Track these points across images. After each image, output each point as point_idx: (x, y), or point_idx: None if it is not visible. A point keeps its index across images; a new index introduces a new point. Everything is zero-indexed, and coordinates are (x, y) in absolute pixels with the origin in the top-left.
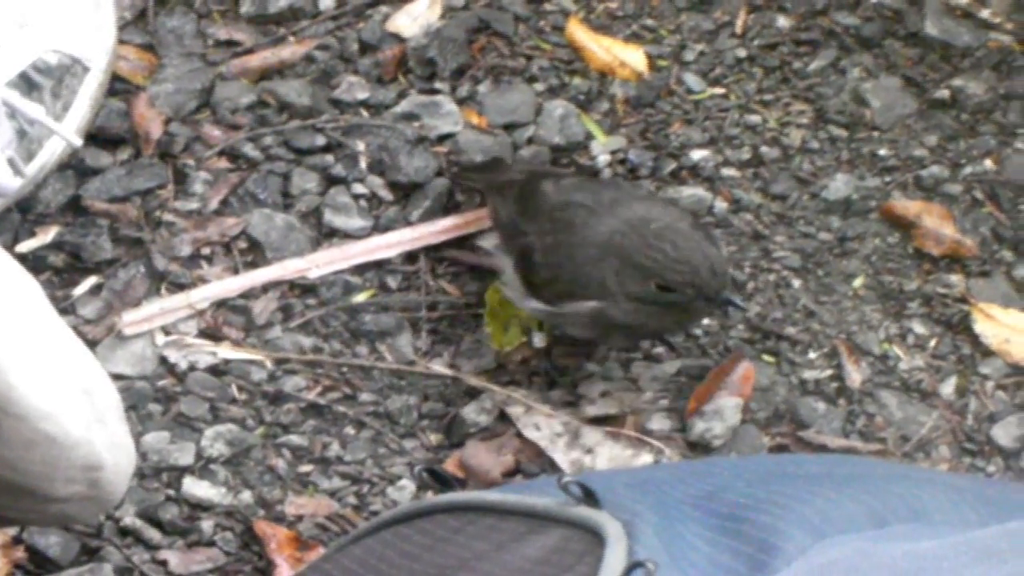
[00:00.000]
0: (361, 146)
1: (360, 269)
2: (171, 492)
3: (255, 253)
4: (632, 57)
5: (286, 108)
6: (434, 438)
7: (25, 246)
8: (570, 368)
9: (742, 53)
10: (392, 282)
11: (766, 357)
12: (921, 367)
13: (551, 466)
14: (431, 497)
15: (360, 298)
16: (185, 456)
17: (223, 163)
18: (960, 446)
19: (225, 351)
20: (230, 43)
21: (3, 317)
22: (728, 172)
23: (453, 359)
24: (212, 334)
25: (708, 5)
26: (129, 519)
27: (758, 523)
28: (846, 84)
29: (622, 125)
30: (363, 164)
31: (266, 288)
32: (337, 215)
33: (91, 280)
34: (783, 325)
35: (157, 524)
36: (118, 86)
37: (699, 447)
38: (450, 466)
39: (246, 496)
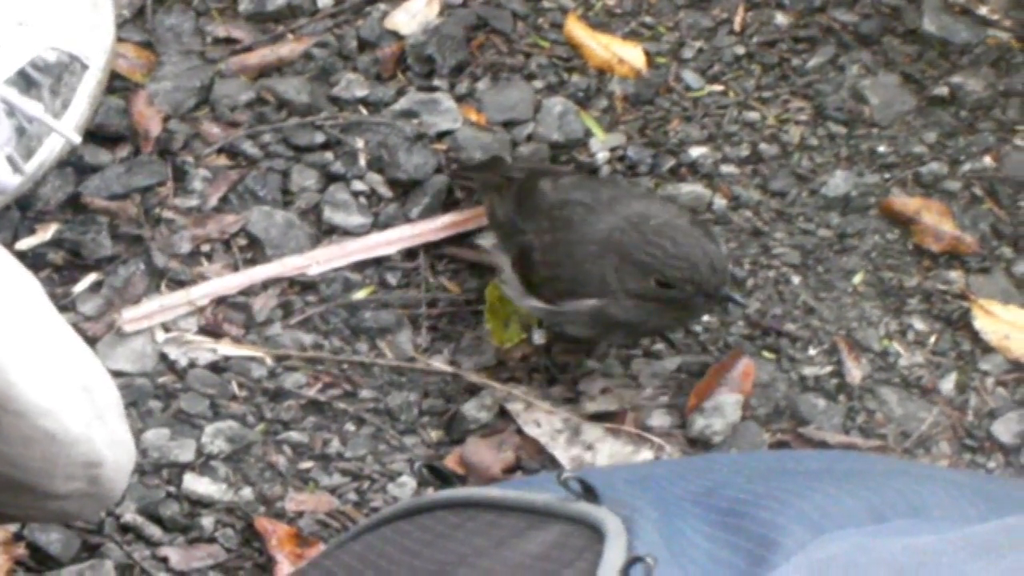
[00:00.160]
0: (360, 143)
1: (360, 266)
2: (172, 489)
3: (255, 250)
4: (631, 54)
5: (285, 105)
6: (434, 434)
7: (25, 243)
8: (570, 365)
9: (741, 50)
10: (392, 279)
11: (766, 353)
12: (921, 363)
13: (551, 462)
14: (431, 493)
15: (360, 295)
16: (185, 453)
17: (222, 160)
18: (960, 442)
19: (225, 348)
20: (229, 41)
21: (2, 314)
22: (727, 169)
23: (453, 356)
24: (212, 331)
25: (706, 2)
26: (130, 516)
27: (757, 519)
28: (845, 81)
29: (621, 122)
30: (362, 161)
31: (266, 285)
32: (336, 212)
33: (91, 277)
34: (783, 322)
35: (158, 521)
36: (117, 84)
37: (699, 443)
38: (450, 462)
39: (246, 492)
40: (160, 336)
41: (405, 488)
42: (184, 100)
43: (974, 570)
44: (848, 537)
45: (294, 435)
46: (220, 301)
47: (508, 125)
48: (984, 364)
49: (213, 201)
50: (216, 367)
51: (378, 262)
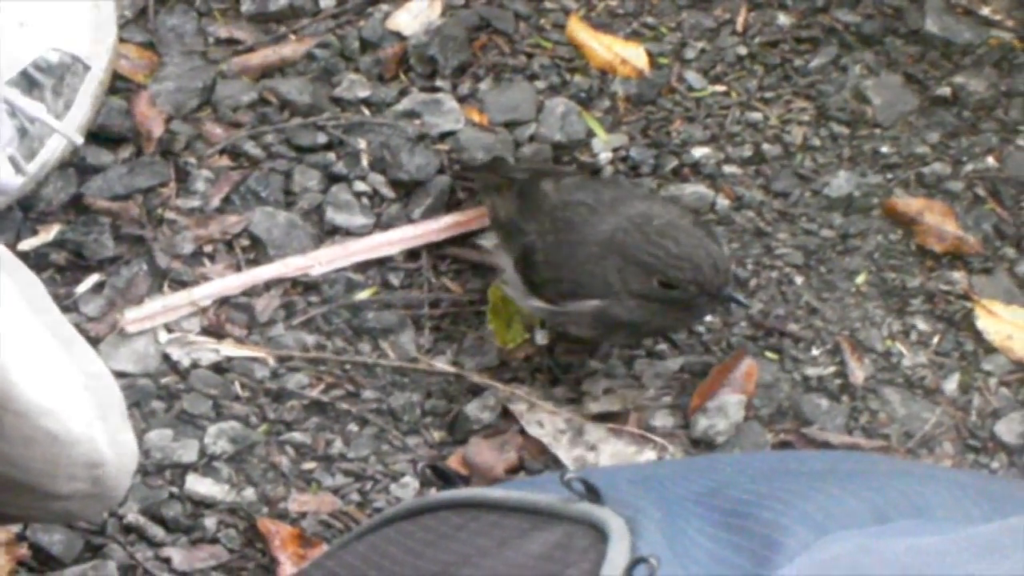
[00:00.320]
0: (362, 144)
1: (362, 267)
2: (174, 489)
3: (257, 251)
4: (633, 55)
5: (287, 106)
6: (437, 435)
7: (27, 244)
8: (573, 365)
9: (743, 51)
10: (394, 279)
11: (769, 354)
12: (924, 364)
13: (554, 463)
14: (434, 494)
15: (362, 295)
16: (188, 453)
17: (224, 161)
18: (964, 442)
19: (228, 349)
20: (231, 41)
21: (4, 314)
22: (730, 169)
23: (456, 356)
24: (215, 332)
25: (709, 3)
26: (132, 516)
27: (761, 519)
28: (847, 81)
29: (623, 123)
30: (364, 162)
31: (268, 286)
32: (339, 213)
33: (93, 278)
34: (786, 322)
35: (160, 521)
36: (119, 84)
37: (702, 444)
38: (453, 463)
39: (249, 493)
40: (163, 337)
41: (408, 489)
42: (186, 101)
43: (978, 570)
44: (851, 538)
45: (297, 436)
46: (223, 302)
47: (510, 126)
48: (987, 364)
49: (215, 202)
50: (219, 368)
51: (381, 263)
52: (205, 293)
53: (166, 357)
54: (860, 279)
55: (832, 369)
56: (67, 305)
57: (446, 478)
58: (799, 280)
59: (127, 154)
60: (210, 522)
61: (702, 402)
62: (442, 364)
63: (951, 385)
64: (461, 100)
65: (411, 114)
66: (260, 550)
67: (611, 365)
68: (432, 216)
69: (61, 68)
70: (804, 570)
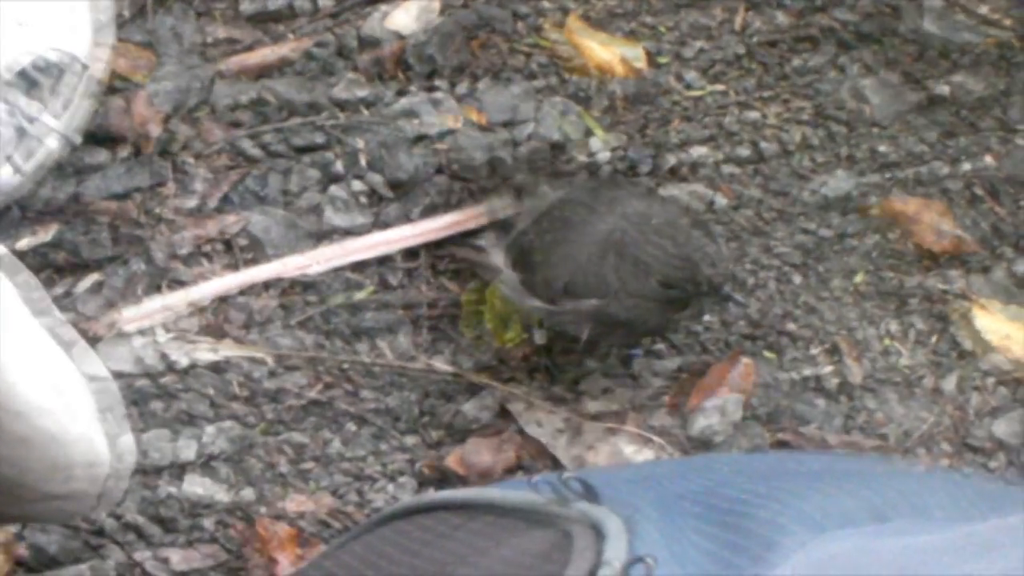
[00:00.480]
0: (360, 143)
1: (360, 266)
2: (172, 489)
3: (255, 250)
4: (631, 54)
5: (285, 106)
6: (435, 435)
7: (25, 243)
8: (571, 365)
9: (741, 50)
10: (392, 279)
11: (767, 353)
12: (922, 363)
13: (553, 462)
14: (431, 493)
15: (360, 295)
16: (186, 453)
17: (223, 161)
18: (962, 442)
19: (226, 348)
20: (229, 41)
21: (2, 316)
22: (728, 169)
23: (453, 356)
24: (213, 331)
25: (707, 2)
26: (130, 516)
27: (758, 519)
28: (845, 81)
29: (621, 122)
30: (363, 161)
31: (267, 285)
32: (337, 212)
33: (92, 277)
34: (784, 322)
35: (159, 521)
36: (117, 84)
37: (700, 443)
38: (451, 463)
39: (247, 493)
40: (161, 336)
41: (406, 488)
42: (185, 100)
43: (975, 569)
44: (848, 537)
45: (295, 435)
46: (221, 301)
47: (508, 125)
48: (985, 364)
49: (214, 201)
50: (217, 367)
51: (378, 262)
52: (203, 293)
53: (164, 357)
54: (858, 278)
55: (830, 368)
56: (65, 305)
57: (443, 477)
58: (797, 279)
59: (125, 154)
60: (208, 522)
61: (700, 402)
62: (440, 364)
63: (949, 384)
64: (459, 100)
65: (409, 114)
66: (258, 550)
67: (609, 365)
68: (430, 216)
69: (59, 68)
70: (801, 569)
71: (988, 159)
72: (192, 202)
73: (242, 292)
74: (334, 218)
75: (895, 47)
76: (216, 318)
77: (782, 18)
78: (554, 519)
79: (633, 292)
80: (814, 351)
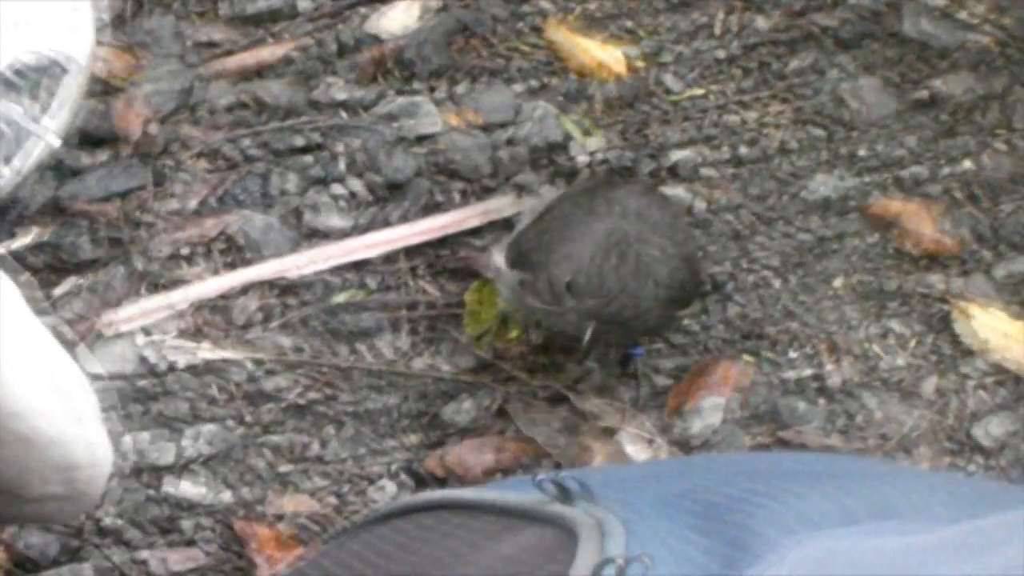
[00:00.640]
0: (341, 147)
1: (340, 269)
2: (152, 492)
3: (235, 253)
4: (611, 58)
5: (266, 109)
6: (414, 438)
7: (5, 246)
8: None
9: (721, 54)
10: (372, 282)
11: (746, 357)
12: (902, 366)
13: (534, 463)
14: (407, 497)
15: (341, 298)
16: (166, 456)
17: (203, 164)
18: (941, 445)
19: (206, 351)
20: (210, 44)
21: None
22: (707, 172)
23: (433, 359)
24: (192, 334)
25: (687, 6)
26: (109, 519)
27: (731, 521)
28: (826, 85)
29: (601, 126)
30: (343, 165)
31: (246, 288)
32: (317, 215)
33: (71, 280)
34: (764, 325)
35: (138, 524)
36: (98, 87)
37: (680, 446)
38: (431, 465)
39: (227, 496)
40: (141, 339)
41: (385, 491)
42: (165, 103)
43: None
44: (820, 539)
45: (274, 438)
46: (201, 304)
47: (488, 128)
48: (965, 367)
49: (193, 204)
50: (197, 370)
51: (358, 266)
52: (183, 296)
53: (143, 360)
54: (838, 282)
55: (809, 372)
56: (45, 308)
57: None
58: (777, 283)
59: (105, 157)
60: (187, 525)
61: (679, 405)
62: (420, 367)
63: (928, 387)
64: (439, 103)
65: (390, 117)
66: (237, 553)
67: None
68: (410, 219)
69: (39, 71)
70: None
71: (968, 163)
72: (172, 205)
73: (222, 295)
74: (314, 221)
75: (875, 52)
76: (195, 321)
77: (762, 22)
78: (528, 521)
79: (633, 292)
80: (794, 354)
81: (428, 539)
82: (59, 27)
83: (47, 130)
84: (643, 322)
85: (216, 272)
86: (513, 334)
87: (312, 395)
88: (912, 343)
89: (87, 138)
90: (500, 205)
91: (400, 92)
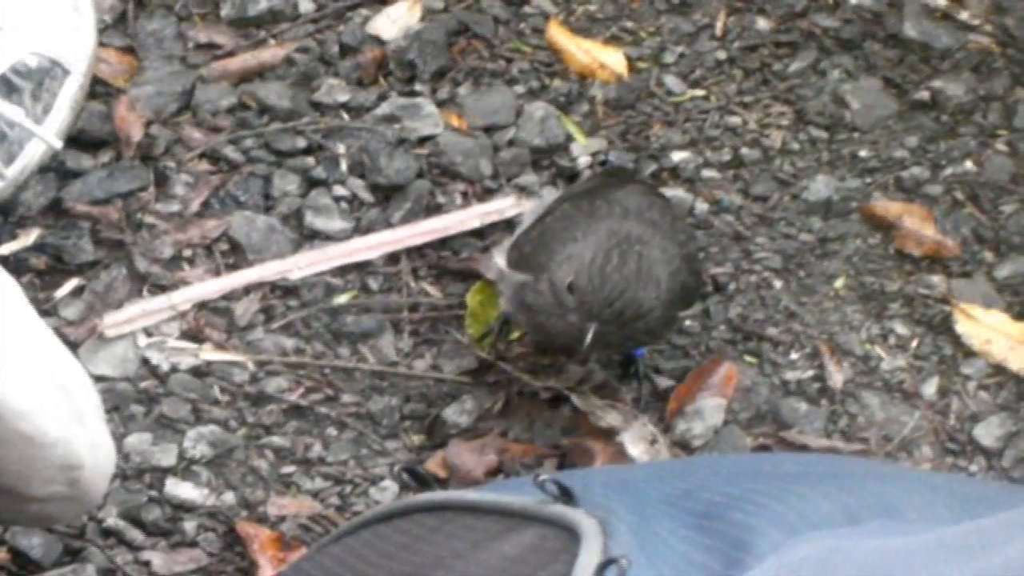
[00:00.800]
0: (342, 148)
1: (342, 271)
2: (154, 493)
3: (236, 255)
4: (612, 59)
5: (267, 111)
6: (416, 439)
7: (7, 248)
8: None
9: (722, 55)
10: (374, 284)
11: (748, 358)
12: (903, 367)
13: (539, 463)
14: (410, 497)
15: (342, 300)
16: (167, 457)
17: (204, 165)
18: (942, 446)
19: (207, 353)
20: (210, 46)
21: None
22: (709, 174)
23: (435, 360)
24: (194, 336)
25: (688, 7)
26: (112, 520)
27: (733, 521)
28: (826, 86)
29: (602, 127)
30: (344, 166)
31: (248, 290)
32: (318, 217)
33: (73, 282)
34: (765, 326)
35: (140, 525)
36: (99, 89)
37: (681, 447)
38: (433, 466)
39: (229, 497)
40: (142, 341)
41: (387, 492)
42: (166, 105)
43: (946, 571)
44: (821, 539)
45: (276, 439)
46: (202, 306)
47: (489, 130)
48: (966, 368)
49: (195, 206)
50: (198, 372)
51: (360, 267)
52: (184, 297)
53: (145, 361)
54: (839, 283)
55: (811, 373)
56: (47, 309)
57: (423, 481)
58: (778, 284)
59: (107, 158)
60: (190, 526)
61: (680, 406)
62: (421, 368)
63: (930, 389)
64: (440, 104)
65: (390, 118)
66: (239, 554)
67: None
68: (411, 220)
69: (40, 72)
70: (773, 571)
71: (969, 164)
72: (173, 207)
73: (223, 297)
74: (315, 223)
75: (876, 53)
76: (197, 323)
77: (763, 23)
78: (530, 521)
79: (635, 293)
80: (795, 355)
81: (430, 539)
82: (61, 28)
83: (49, 132)
84: (645, 323)
85: (218, 273)
86: (515, 335)
87: (314, 396)
88: (913, 344)
89: (88, 140)
90: (501, 206)
91: (401, 93)
